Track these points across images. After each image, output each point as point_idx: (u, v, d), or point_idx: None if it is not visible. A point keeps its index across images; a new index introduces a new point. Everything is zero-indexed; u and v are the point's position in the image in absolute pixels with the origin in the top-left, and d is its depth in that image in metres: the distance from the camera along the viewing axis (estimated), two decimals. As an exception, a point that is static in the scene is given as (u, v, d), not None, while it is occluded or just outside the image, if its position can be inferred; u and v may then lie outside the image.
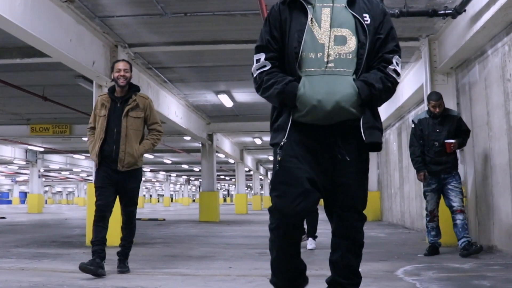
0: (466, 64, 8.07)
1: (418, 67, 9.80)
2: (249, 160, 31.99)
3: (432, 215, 7.05)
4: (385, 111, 13.71)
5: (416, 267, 5.67)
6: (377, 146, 2.91)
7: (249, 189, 58.05)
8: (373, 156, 16.66)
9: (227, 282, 4.93)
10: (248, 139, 23.74)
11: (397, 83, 2.94)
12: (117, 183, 5.36)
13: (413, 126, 7.21)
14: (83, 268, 5.08)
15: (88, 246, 8.16)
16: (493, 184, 7.03)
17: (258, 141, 23.69)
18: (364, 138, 2.82)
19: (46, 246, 8.72)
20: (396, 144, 14.25)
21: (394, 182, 14.65)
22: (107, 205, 5.32)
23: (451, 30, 7.85)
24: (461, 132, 7.02)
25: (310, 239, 7.76)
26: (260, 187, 44.62)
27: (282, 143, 2.85)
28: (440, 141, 6.89)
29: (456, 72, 8.55)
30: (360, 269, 2.98)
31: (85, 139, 20.65)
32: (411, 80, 10.51)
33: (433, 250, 6.95)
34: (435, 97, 6.96)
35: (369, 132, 2.85)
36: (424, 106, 8.99)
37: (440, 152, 6.89)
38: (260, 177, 43.20)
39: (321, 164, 2.86)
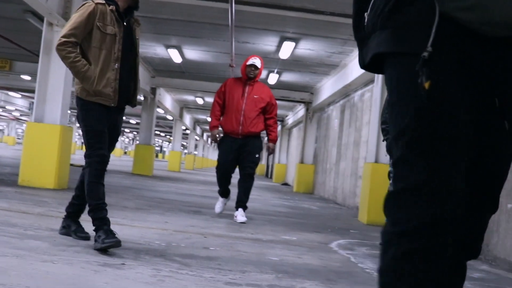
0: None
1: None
2: (187, 118, 31.80)
3: None
4: (331, 87, 13.88)
5: (350, 242, 5.82)
6: None
7: (183, 147, 57.76)
8: (312, 129, 16.88)
9: (165, 236, 4.91)
10: (190, 97, 23.54)
11: None
12: (110, 124, 4.16)
13: None
14: (111, 246, 3.80)
15: (21, 186, 7.95)
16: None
17: (200, 101, 23.50)
18: None
19: (-26, 180, 8.43)
20: (338, 121, 14.47)
21: (331, 158, 14.93)
22: (108, 157, 4.22)
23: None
24: None
25: (240, 209, 6.66)
26: (194, 147, 44.53)
27: (425, 54, 1.34)
28: None
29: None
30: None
31: (26, 77, 19.78)
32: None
33: None
34: None
35: None
36: (373, 87, 9.14)
37: None
38: (196, 137, 43.07)
39: (481, 101, 1.48)
